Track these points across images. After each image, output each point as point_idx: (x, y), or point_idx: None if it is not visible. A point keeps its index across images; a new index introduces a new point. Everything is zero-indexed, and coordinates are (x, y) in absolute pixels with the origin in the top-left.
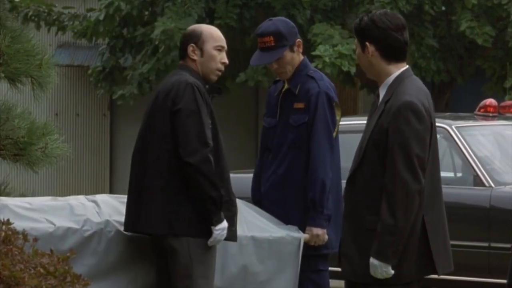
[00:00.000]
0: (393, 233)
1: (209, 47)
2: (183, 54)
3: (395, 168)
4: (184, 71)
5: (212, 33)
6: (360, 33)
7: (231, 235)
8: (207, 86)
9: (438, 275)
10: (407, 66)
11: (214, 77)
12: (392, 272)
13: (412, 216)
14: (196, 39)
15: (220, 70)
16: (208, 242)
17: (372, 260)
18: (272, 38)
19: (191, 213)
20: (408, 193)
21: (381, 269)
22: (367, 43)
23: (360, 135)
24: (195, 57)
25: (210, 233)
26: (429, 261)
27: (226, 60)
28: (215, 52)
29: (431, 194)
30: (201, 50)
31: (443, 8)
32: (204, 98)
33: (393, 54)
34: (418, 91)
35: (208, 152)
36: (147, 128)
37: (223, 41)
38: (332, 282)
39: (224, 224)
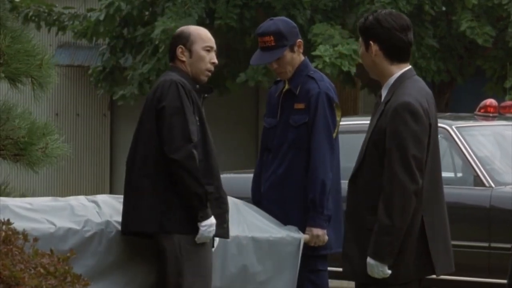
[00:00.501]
0: (390, 234)
1: (197, 48)
2: (173, 56)
3: (392, 169)
4: (173, 72)
5: (201, 34)
6: (365, 32)
7: (223, 232)
8: (197, 86)
9: (437, 275)
10: (410, 66)
11: (204, 78)
12: (389, 272)
13: (409, 217)
14: (185, 40)
15: (210, 70)
16: (196, 239)
17: (369, 260)
18: (272, 38)
19: (180, 211)
20: (405, 194)
21: (378, 269)
22: (371, 42)
23: (360, 135)
24: (184, 59)
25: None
26: (427, 261)
27: (215, 60)
28: (203, 53)
29: (431, 195)
30: (190, 51)
31: (443, 8)
32: (189, 96)
33: (397, 54)
34: (418, 92)
35: (192, 148)
36: (138, 129)
37: (212, 42)
38: (332, 282)
39: (211, 220)
